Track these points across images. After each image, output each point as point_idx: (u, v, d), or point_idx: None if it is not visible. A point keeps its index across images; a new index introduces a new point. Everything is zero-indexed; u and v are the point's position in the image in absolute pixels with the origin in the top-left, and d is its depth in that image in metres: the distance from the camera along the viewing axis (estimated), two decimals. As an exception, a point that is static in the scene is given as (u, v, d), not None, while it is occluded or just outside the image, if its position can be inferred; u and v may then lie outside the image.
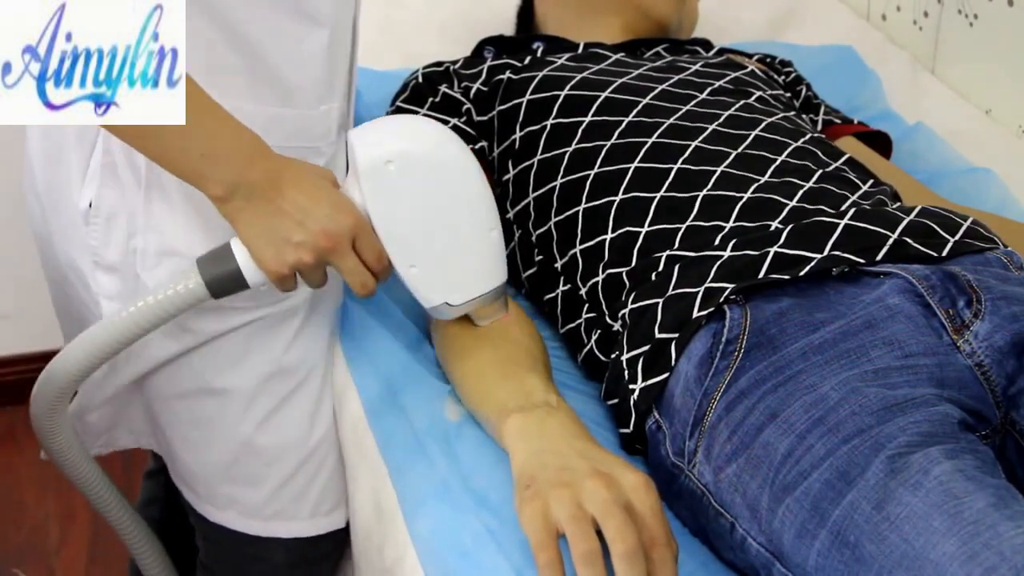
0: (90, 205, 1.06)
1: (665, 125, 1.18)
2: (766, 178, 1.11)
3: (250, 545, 1.21)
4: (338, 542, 1.24)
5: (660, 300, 1.01)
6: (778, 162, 1.14)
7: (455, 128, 1.29)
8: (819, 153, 1.18)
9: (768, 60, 1.53)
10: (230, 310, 1.08)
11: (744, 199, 1.09)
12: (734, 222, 1.07)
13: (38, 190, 1.14)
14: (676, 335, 0.98)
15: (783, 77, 1.49)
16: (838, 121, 1.44)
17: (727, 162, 1.13)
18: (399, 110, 1.33)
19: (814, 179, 1.12)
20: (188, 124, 0.91)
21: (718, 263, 1.01)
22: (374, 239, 1.00)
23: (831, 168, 1.15)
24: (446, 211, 1.01)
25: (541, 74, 1.29)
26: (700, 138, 1.17)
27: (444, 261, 1.03)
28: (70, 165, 1.07)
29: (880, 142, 1.45)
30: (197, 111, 0.92)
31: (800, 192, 1.09)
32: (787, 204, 1.07)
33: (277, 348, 1.12)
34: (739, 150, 1.15)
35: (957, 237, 1.02)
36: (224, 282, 0.99)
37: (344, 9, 1.07)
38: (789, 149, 1.16)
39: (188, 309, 1.01)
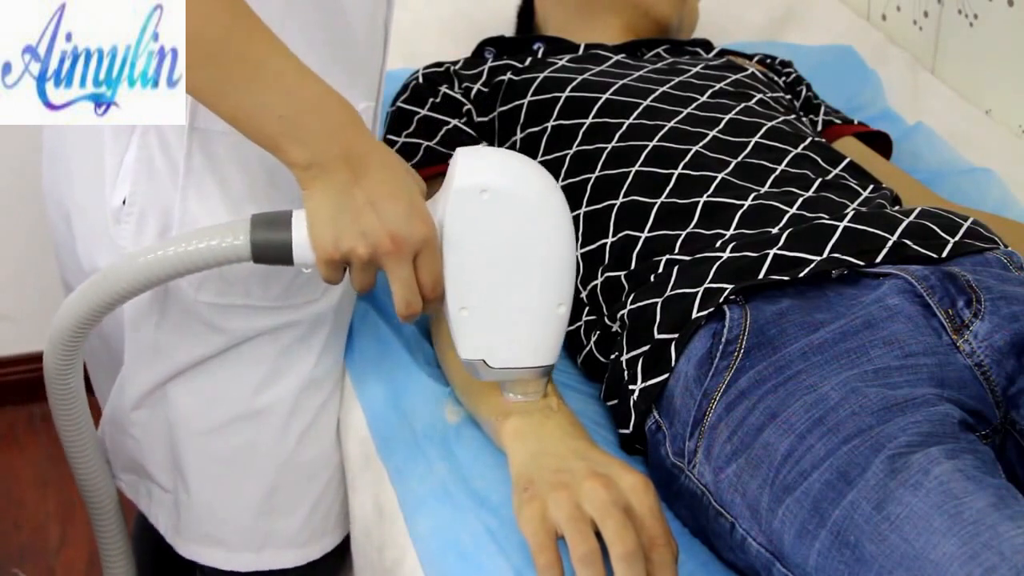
0: (124, 202, 1.02)
1: (666, 128, 1.19)
2: (766, 188, 1.12)
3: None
4: (341, 547, 1.23)
5: (659, 300, 1.01)
6: (778, 171, 1.14)
7: (455, 129, 1.29)
8: (819, 160, 1.18)
9: (768, 61, 1.53)
10: (260, 310, 1.06)
11: (745, 207, 1.09)
12: (734, 229, 1.07)
13: (61, 196, 1.12)
14: (676, 335, 0.98)
15: (783, 78, 1.49)
16: (838, 121, 1.44)
17: (728, 169, 1.14)
18: (399, 110, 1.32)
19: (814, 188, 1.12)
20: (267, 84, 0.87)
21: (717, 264, 1.01)
22: (438, 262, 0.92)
23: (831, 176, 1.16)
24: (522, 264, 0.92)
25: (542, 75, 1.29)
26: (701, 143, 1.17)
27: (498, 315, 0.94)
28: (103, 164, 1.04)
29: (880, 142, 1.45)
30: (277, 71, 0.88)
31: (800, 200, 1.09)
32: (787, 211, 1.07)
33: (309, 360, 1.11)
34: (739, 157, 1.15)
35: (957, 238, 1.02)
36: (270, 249, 0.93)
37: (378, 7, 1.06)
38: (789, 157, 1.16)
39: (224, 264, 0.95)
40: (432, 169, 1.23)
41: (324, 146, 0.89)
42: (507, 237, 0.92)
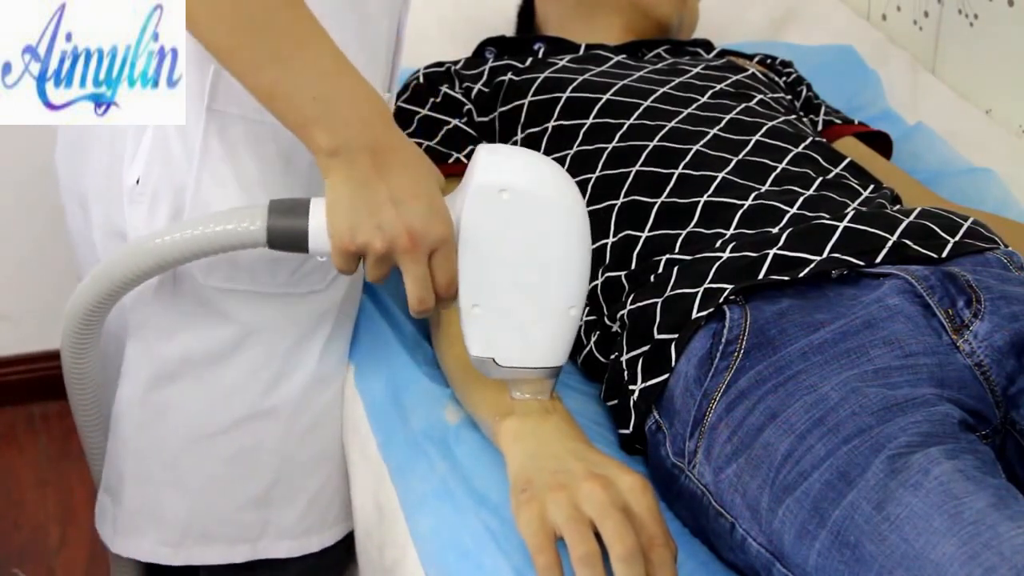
0: (137, 182, 1.02)
1: (666, 128, 1.19)
2: (767, 187, 1.12)
3: (265, 570, 1.18)
4: (347, 545, 1.23)
5: (659, 300, 1.01)
6: (778, 170, 1.14)
7: (456, 129, 1.29)
8: (820, 159, 1.18)
9: (768, 61, 1.53)
10: (267, 297, 1.06)
11: (745, 206, 1.09)
12: (735, 229, 1.07)
13: (79, 185, 1.12)
14: (675, 335, 0.98)
15: (784, 78, 1.49)
16: (838, 121, 1.44)
17: (728, 168, 1.13)
18: (400, 110, 1.32)
19: (814, 187, 1.12)
20: (306, 64, 0.87)
21: (717, 264, 1.01)
22: (454, 261, 0.92)
23: (831, 175, 1.16)
24: (537, 265, 0.93)
25: (543, 76, 1.29)
26: (701, 142, 1.17)
27: (510, 315, 0.94)
28: (125, 144, 1.04)
29: (880, 142, 1.45)
30: (317, 53, 0.88)
31: (800, 199, 1.09)
32: (788, 211, 1.07)
33: (314, 356, 1.11)
34: (740, 156, 1.15)
35: (957, 238, 1.02)
36: (286, 236, 0.93)
37: (392, 5, 1.06)
38: (790, 156, 1.16)
39: (239, 248, 0.96)
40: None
41: (353, 135, 0.88)
42: (524, 237, 0.92)
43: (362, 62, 0.94)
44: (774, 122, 1.22)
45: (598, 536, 0.84)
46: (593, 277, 1.12)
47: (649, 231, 1.10)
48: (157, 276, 1.02)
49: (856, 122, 1.46)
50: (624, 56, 1.39)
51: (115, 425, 1.13)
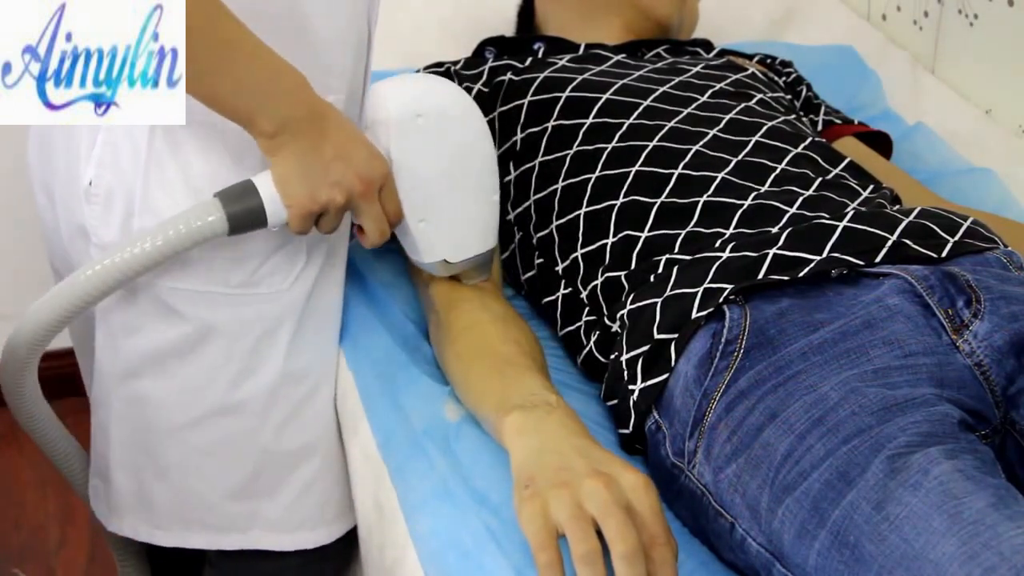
0: (91, 184, 1.05)
1: (666, 128, 1.19)
2: (766, 187, 1.12)
3: (267, 560, 1.19)
4: (349, 539, 1.23)
5: (658, 300, 1.01)
6: (778, 170, 1.14)
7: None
8: (819, 160, 1.18)
9: (768, 61, 1.53)
10: (221, 298, 1.08)
11: (744, 206, 1.09)
12: (734, 229, 1.07)
13: (46, 177, 1.14)
14: (675, 335, 0.98)
15: (783, 78, 1.49)
16: (838, 121, 1.44)
17: (728, 169, 1.13)
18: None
19: (814, 187, 1.12)
20: (242, 61, 0.92)
21: (717, 264, 1.01)
22: (395, 190, 1.05)
23: (831, 176, 1.16)
24: (461, 170, 1.07)
25: (542, 76, 1.29)
26: (701, 142, 1.17)
27: (451, 218, 1.08)
28: (80, 143, 1.07)
29: (880, 142, 1.45)
30: (247, 48, 0.93)
31: (800, 199, 1.09)
32: (787, 211, 1.07)
33: (277, 356, 1.12)
34: (739, 156, 1.15)
35: (956, 238, 1.02)
36: (246, 217, 1.00)
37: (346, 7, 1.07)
38: (789, 156, 1.16)
39: (203, 243, 1.01)
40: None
41: (290, 111, 0.96)
42: (445, 150, 1.06)
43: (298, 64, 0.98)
44: (774, 122, 1.22)
45: (600, 534, 0.84)
46: (593, 277, 1.12)
47: (649, 231, 1.10)
48: None
49: (856, 122, 1.46)
50: (624, 56, 1.39)
51: (96, 411, 1.16)
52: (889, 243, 1.00)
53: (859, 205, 1.10)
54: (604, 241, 1.12)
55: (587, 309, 1.13)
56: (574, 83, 1.26)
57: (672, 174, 1.13)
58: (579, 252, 1.14)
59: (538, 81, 1.28)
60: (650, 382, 0.98)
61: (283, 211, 1.00)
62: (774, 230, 1.05)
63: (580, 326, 1.14)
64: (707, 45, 1.51)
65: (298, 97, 0.97)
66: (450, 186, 1.07)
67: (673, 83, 1.27)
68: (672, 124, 1.19)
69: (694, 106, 1.23)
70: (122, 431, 1.14)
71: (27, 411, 1.13)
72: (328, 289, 1.16)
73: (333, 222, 1.03)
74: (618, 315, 1.06)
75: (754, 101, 1.27)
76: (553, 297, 1.19)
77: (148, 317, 1.08)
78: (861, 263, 0.99)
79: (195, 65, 0.90)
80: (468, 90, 1.33)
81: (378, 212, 1.03)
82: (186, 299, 1.07)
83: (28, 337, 1.05)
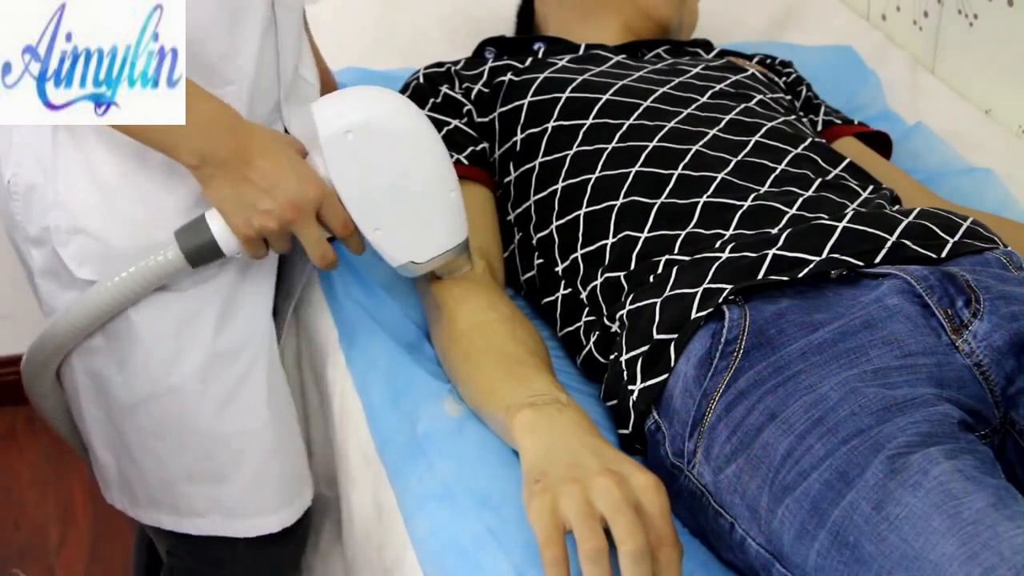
0: (9, 182, 1.08)
1: (666, 129, 1.19)
2: (766, 187, 1.12)
3: (222, 545, 1.20)
4: (304, 522, 1.24)
5: (658, 300, 1.01)
6: (778, 171, 1.14)
7: (456, 129, 1.29)
8: (819, 160, 1.18)
9: (768, 61, 1.53)
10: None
11: (744, 207, 1.09)
12: (734, 229, 1.07)
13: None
14: (675, 336, 0.98)
15: (783, 78, 1.49)
16: (838, 122, 1.44)
17: (727, 169, 1.14)
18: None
19: (814, 188, 1.12)
20: None
21: (716, 264, 1.01)
22: (339, 207, 1.05)
23: (831, 176, 1.16)
24: (404, 175, 1.06)
25: (542, 76, 1.29)
26: (701, 143, 1.17)
27: (406, 222, 1.08)
28: (3, 139, 1.09)
29: (880, 142, 1.45)
30: None
31: (800, 200, 1.09)
32: (787, 212, 1.07)
33: (205, 335, 1.12)
34: (739, 157, 1.15)
35: (956, 238, 1.02)
36: (201, 251, 1.04)
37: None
38: (789, 157, 1.16)
39: (168, 279, 1.07)
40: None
41: (209, 148, 0.99)
42: (383, 159, 1.05)
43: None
44: (773, 123, 1.22)
45: (608, 532, 0.84)
46: (592, 277, 1.12)
47: (648, 232, 1.10)
48: (41, 263, 1.11)
49: (856, 122, 1.46)
50: (624, 56, 1.39)
51: (68, 388, 1.20)
52: (888, 243, 1.00)
53: (859, 206, 1.10)
54: (604, 241, 1.12)
55: (587, 309, 1.13)
56: (574, 84, 1.26)
57: (672, 175, 1.13)
58: (579, 252, 1.14)
59: (538, 82, 1.28)
60: (650, 382, 0.99)
61: (235, 240, 1.04)
62: (774, 231, 1.05)
63: (580, 326, 1.14)
64: (707, 45, 1.51)
65: (217, 133, 0.99)
66: (398, 192, 1.06)
67: (673, 84, 1.27)
68: (672, 125, 1.19)
69: (694, 107, 1.23)
70: (90, 407, 1.18)
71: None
72: (261, 265, 1.16)
73: (280, 244, 1.05)
74: (618, 315, 1.06)
75: (754, 102, 1.27)
76: (553, 297, 1.19)
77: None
78: (861, 264, 0.99)
79: None
80: (468, 90, 1.33)
81: (315, 236, 1.05)
82: None
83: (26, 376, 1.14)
